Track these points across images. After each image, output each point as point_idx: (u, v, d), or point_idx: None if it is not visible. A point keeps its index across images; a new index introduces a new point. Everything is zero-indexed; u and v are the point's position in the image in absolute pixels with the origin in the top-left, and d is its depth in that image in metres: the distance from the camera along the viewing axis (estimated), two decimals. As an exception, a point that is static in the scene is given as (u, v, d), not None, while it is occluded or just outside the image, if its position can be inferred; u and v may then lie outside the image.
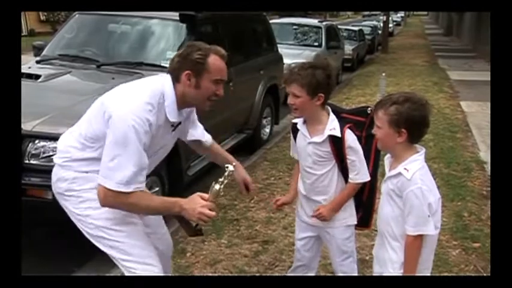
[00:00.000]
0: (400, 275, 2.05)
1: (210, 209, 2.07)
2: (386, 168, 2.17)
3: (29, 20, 30.89)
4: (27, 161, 3.35)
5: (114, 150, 1.99)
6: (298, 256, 2.78)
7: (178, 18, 4.55)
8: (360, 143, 2.46)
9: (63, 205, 2.29)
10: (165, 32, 4.79)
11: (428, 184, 2.00)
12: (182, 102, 2.14)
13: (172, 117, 2.12)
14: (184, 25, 4.57)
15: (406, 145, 2.04)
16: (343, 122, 2.42)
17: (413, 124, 1.99)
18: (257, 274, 3.34)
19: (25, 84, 3.86)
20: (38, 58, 4.70)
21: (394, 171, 2.06)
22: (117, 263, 2.25)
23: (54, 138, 3.25)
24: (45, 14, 29.63)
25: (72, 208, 2.24)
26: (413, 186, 1.97)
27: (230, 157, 2.64)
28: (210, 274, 3.34)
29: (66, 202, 2.26)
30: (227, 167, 2.12)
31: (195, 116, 2.50)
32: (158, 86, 2.11)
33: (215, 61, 2.10)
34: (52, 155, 3.29)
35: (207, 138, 2.60)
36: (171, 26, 4.73)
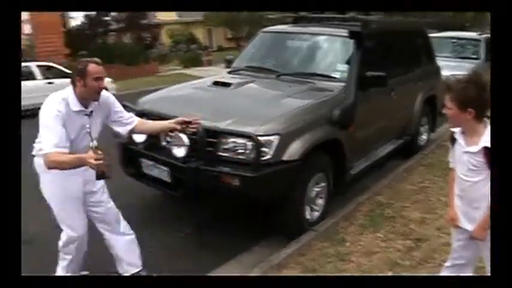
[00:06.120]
0: (402, 275, 2.14)
1: (96, 159, 2.77)
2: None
3: (217, 38, 35.87)
4: (220, 153, 3.80)
5: (41, 129, 2.94)
6: (455, 255, 2.80)
7: (346, 34, 5.00)
8: None
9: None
10: (334, 46, 5.26)
11: None
12: (81, 97, 3.07)
13: (74, 107, 3.05)
14: (352, 40, 4.97)
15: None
16: None
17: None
18: (408, 269, 3.53)
19: (220, 91, 4.72)
20: (228, 69, 5.54)
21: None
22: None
23: (242, 135, 3.77)
24: (231, 32, 32.38)
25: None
26: None
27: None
28: (366, 263, 3.65)
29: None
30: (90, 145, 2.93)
31: (117, 108, 3.40)
32: (66, 91, 3.08)
33: (92, 67, 3.02)
34: (238, 149, 3.77)
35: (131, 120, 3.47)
36: (339, 41, 5.18)
